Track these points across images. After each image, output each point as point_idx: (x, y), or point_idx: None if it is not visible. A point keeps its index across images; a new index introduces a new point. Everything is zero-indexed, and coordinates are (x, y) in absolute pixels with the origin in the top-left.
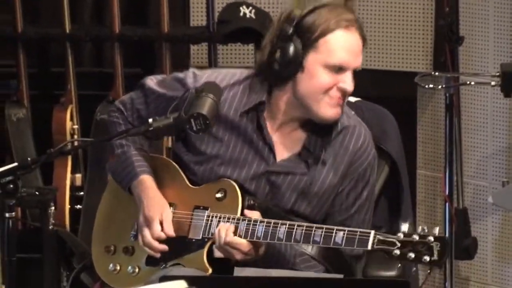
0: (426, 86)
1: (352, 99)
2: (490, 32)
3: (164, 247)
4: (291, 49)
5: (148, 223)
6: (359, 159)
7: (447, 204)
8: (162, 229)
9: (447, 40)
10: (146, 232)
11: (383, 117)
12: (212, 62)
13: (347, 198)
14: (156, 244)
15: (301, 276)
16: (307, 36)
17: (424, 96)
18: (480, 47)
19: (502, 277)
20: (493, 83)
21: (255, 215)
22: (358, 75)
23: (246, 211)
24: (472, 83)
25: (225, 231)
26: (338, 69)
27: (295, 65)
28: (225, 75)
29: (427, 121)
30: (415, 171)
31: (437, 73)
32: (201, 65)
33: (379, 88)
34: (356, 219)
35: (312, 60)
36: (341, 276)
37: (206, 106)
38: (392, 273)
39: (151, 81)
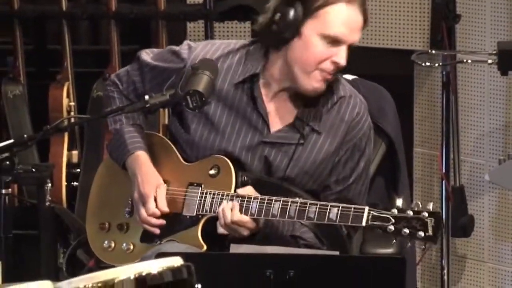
0: (423, 64)
1: (349, 77)
2: (487, 10)
3: (161, 222)
4: (291, 13)
5: (143, 200)
6: (355, 129)
7: (443, 182)
8: (156, 206)
9: (444, 18)
10: (142, 209)
11: (380, 95)
12: (209, 39)
13: (344, 167)
14: (153, 220)
15: (297, 253)
16: (309, 4)
17: (421, 74)
18: (477, 25)
19: (499, 255)
20: (490, 61)
21: (248, 191)
22: (355, 52)
23: (239, 190)
24: (469, 61)
25: (229, 210)
26: (334, 41)
27: (293, 30)
28: (219, 45)
29: (424, 99)
30: (412, 149)
31: (434, 51)
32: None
33: (376, 66)
34: (353, 190)
35: (310, 28)
36: (337, 252)
37: (202, 83)
38: (389, 250)
39: (147, 55)
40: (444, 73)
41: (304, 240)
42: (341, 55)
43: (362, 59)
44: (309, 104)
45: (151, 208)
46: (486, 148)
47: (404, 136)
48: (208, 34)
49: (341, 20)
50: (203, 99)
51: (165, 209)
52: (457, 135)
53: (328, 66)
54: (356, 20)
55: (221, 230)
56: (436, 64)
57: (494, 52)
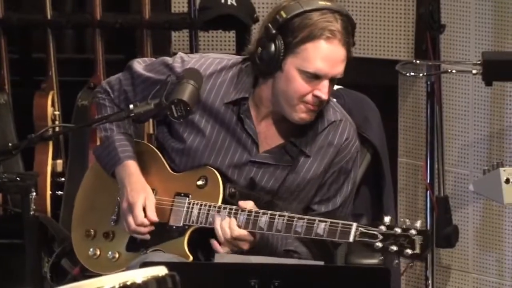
0: (408, 74)
1: (334, 86)
2: (472, 20)
3: (150, 229)
4: (272, 49)
5: (132, 210)
6: (343, 152)
7: (428, 192)
8: (146, 216)
9: (428, 28)
10: (130, 219)
11: (365, 104)
12: (194, 49)
13: (329, 189)
14: (141, 229)
15: (282, 263)
16: (289, 40)
17: (405, 84)
18: (461, 35)
19: (483, 265)
20: (474, 71)
21: (249, 205)
22: None
23: (241, 202)
24: (454, 71)
25: (227, 225)
26: (314, 76)
27: (275, 65)
28: (213, 60)
29: (409, 109)
30: (396, 159)
31: (418, 61)
32: (182, 51)
33: (360, 75)
34: (339, 213)
35: (290, 63)
36: (321, 262)
37: (186, 92)
38: (374, 261)
39: (139, 65)
40: (428, 83)
41: (298, 254)
42: (322, 90)
43: (346, 68)
44: (299, 127)
45: (139, 217)
46: (471, 158)
47: (388, 146)
48: (193, 43)
49: (320, 57)
50: (188, 108)
51: (155, 218)
52: (442, 145)
53: (310, 99)
54: (336, 56)
55: (219, 249)
56: (421, 74)
57: (479, 62)
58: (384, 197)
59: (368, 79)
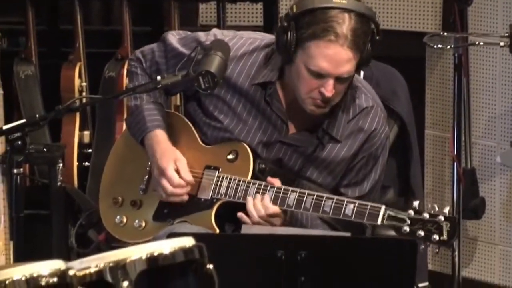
0: (435, 46)
1: None
2: None
3: (187, 189)
4: (283, 41)
5: (164, 174)
6: (373, 140)
7: (455, 164)
8: (180, 177)
9: (456, 0)
10: (165, 182)
11: (393, 77)
12: (221, 21)
13: (357, 174)
14: (179, 190)
15: (309, 234)
16: (299, 34)
17: (432, 56)
18: (489, 8)
19: (510, 237)
20: (502, 43)
21: (277, 183)
22: None
23: (269, 179)
24: (481, 43)
25: (260, 203)
26: (318, 75)
27: (287, 57)
28: (245, 41)
29: (436, 81)
30: (423, 131)
31: (445, 33)
32: (210, 23)
33: (388, 48)
34: (367, 199)
35: (299, 58)
36: (348, 234)
37: (214, 63)
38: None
39: (173, 37)
40: (456, 55)
41: None
42: (326, 88)
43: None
44: (330, 113)
45: (174, 179)
46: (498, 130)
47: (415, 118)
48: (220, 15)
49: (324, 57)
50: (215, 79)
51: (190, 178)
52: (469, 117)
53: (317, 95)
54: (338, 57)
55: (248, 220)
56: (448, 47)
57: (506, 34)
58: (411, 169)
59: (396, 51)
